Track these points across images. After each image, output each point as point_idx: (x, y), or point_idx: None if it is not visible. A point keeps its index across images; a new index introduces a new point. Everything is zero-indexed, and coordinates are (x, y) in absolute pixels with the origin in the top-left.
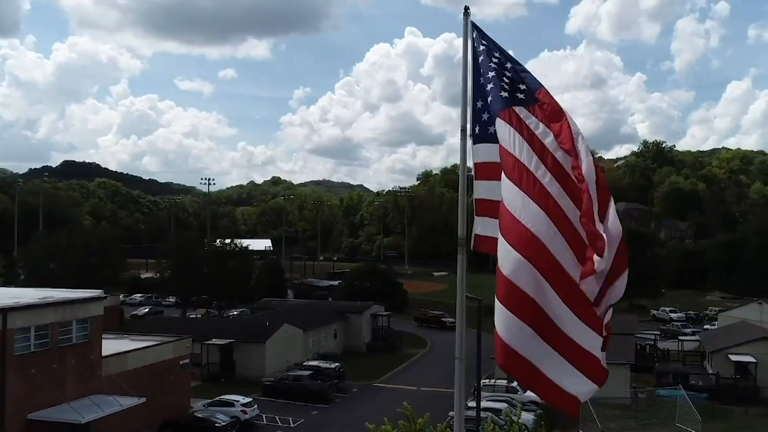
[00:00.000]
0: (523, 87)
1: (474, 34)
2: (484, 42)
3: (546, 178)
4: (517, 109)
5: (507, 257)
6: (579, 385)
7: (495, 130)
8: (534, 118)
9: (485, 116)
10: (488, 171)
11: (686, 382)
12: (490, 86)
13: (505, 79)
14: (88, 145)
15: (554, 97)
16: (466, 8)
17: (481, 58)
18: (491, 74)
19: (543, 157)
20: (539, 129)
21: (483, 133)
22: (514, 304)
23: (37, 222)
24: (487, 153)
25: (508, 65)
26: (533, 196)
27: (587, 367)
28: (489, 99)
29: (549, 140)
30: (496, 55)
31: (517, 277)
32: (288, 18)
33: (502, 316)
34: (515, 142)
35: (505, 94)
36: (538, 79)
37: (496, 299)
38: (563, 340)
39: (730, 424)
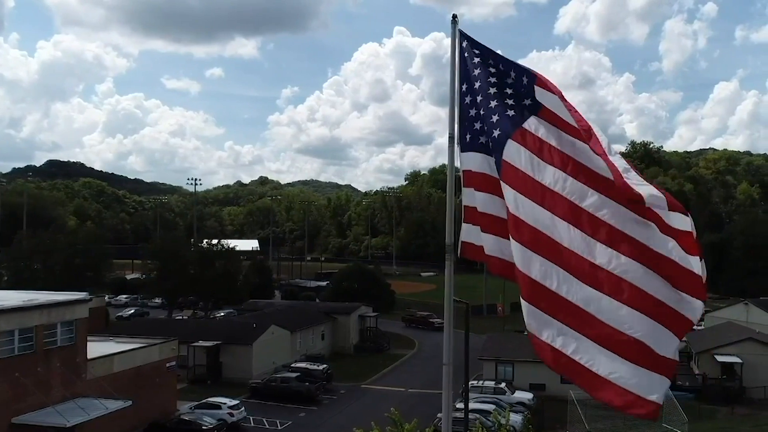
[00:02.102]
0: (528, 101)
1: (464, 43)
2: (476, 51)
3: (564, 183)
4: (526, 124)
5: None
6: (639, 379)
7: (486, 141)
8: (546, 123)
9: (477, 125)
10: (476, 180)
11: (673, 383)
12: (493, 103)
13: (507, 91)
14: (73, 145)
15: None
16: (454, 16)
17: (476, 71)
18: (492, 90)
19: (563, 164)
20: (553, 135)
21: (473, 143)
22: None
23: (20, 222)
24: (477, 162)
25: (512, 75)
26: (545, 204)
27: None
28: (485, 111)
29: (564, 140)
30: (492, 64)
31: (544, 279)
32: (276, 17)
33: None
34: (529, 161)
35: (512, 112)
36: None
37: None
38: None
39: (717, 424)
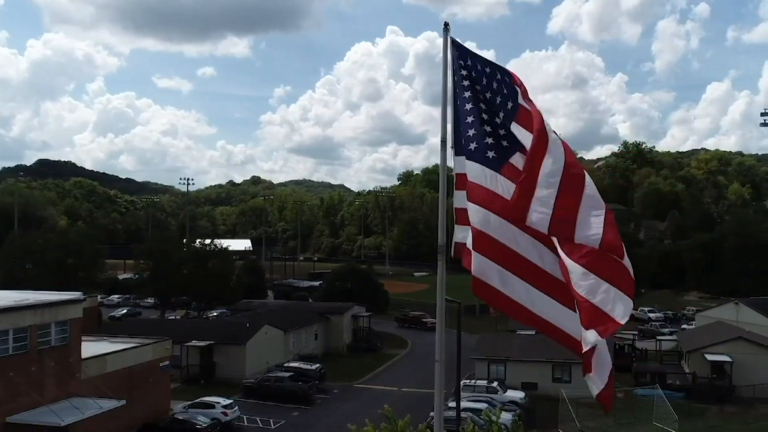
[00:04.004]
0: (503, 132)
1: (455, 52)
2: (469, 63)
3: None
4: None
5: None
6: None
7: (474, 148)
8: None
9: (471, 132)
10: (466, 185)
11: (663, 382)
12: (474, 129)
13: (491, 117)
14: (64, 144)
15: (534, 105)
16: (446, 24)
17: (469, 80)
18: (481, 105)
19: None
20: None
21: (467, 149)
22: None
23: (11, 222)
24: (468, 168)
25: (497, 96)
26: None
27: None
28: (476, 119)
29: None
30: (482, 75)
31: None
32: (268, 16)
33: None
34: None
35: (492, 153)
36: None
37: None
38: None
39: (706, 423)
